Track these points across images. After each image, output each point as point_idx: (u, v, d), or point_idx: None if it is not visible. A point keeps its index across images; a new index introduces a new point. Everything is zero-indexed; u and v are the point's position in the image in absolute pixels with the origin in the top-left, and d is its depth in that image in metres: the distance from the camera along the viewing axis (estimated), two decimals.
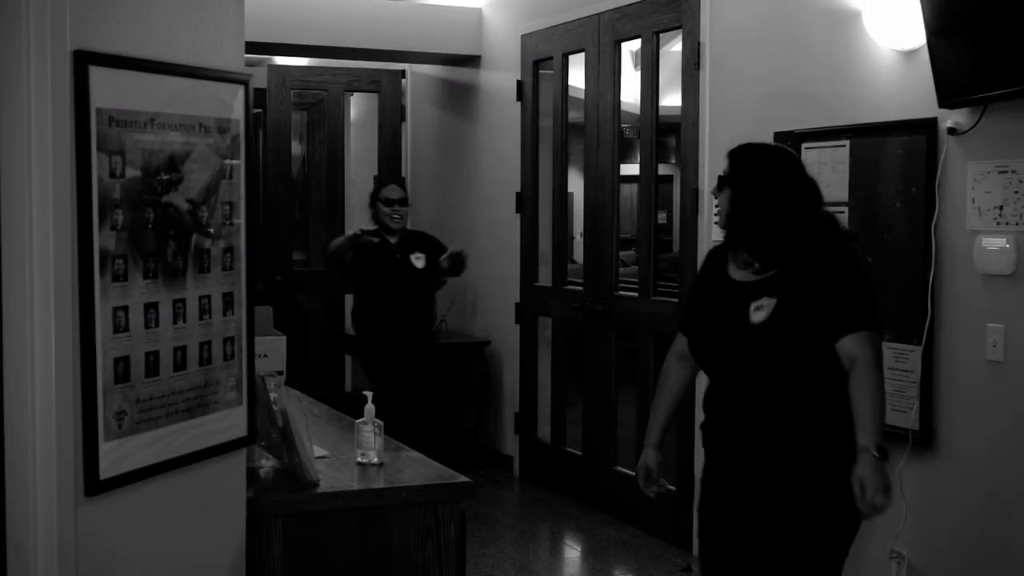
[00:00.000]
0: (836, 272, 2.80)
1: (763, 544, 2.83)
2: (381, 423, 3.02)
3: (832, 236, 2.86)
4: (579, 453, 5.90)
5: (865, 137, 3.97)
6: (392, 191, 5.82)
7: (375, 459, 2.97)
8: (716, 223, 3.04)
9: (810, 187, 2.90)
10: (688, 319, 3.08)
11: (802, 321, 2.78)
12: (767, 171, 2.89)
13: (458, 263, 5.75)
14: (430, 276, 5.82)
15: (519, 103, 6.29)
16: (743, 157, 2.94)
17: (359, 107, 8.55)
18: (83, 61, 2.09)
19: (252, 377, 2.58)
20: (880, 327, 2.82)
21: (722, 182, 2.93)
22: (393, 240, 5.77)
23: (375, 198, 5.82)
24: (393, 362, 5.79)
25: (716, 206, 3.00)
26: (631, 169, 5.87)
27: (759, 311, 2.85)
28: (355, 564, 2.76)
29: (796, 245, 2.83)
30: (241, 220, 2.49)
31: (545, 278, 6.25)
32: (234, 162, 2.46)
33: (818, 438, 2.79)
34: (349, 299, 8.13)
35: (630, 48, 6.24)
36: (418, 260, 5.73)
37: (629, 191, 6.19)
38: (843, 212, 3.97)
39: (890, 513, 3.29)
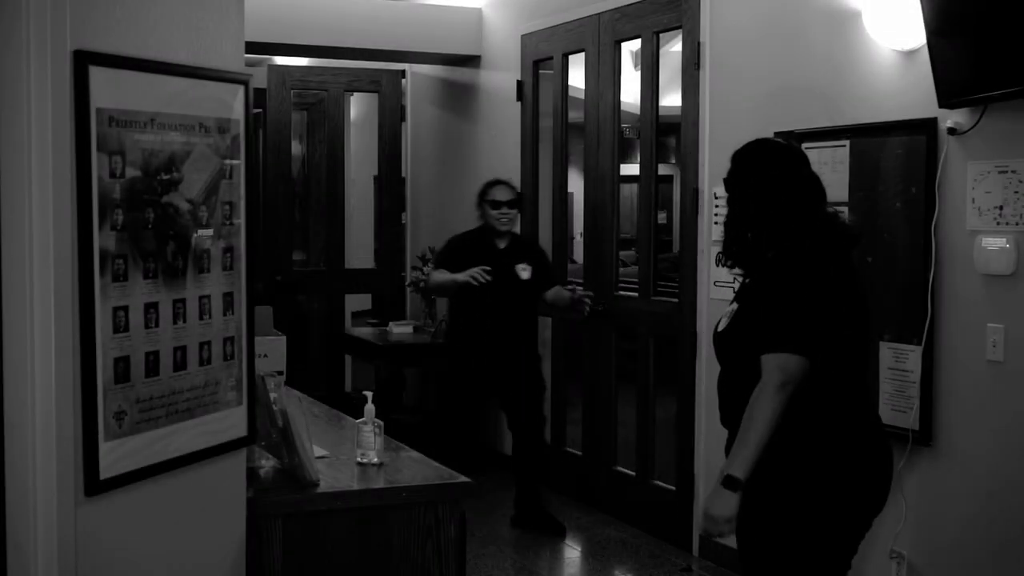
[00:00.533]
0: (773, 285, 2.71)
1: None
2: (381, 423, 3.02)
3: (815, 239, 2.73)
4: (579, 453, 5.90)
5: (865, 137, 3.97)
6: (501, 191, 5.31)
7: (375, 459, 2.97)
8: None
9: (800, 186, 2.81)
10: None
11: (745, 332, 2.74)
12: (751, 171, 2.84)
13: (577, 307, 5.20)
14: (535, 289, 5.33)
15: (519, 103, 6.29)
16: (736, 158, 2.90)
17: (359, 107, 8.55)
18: (83, 61, 2.09)
19: (252, 377, 2.58)
20: (800, 347, 2.61)
21: (727, 184, 2.89)
22: (501, 245, 5.31)
23: (482, 199, 5.34)
24: (492, 380, 5.40)
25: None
26: (631, 169, 5.87)
27: (724, 319, 2.89)
28: (355, 564, 2.76)
29: (758, 250, 2.77)
30: (241, 220, 2.49)
31: None
32: (234, 162, 2.46)
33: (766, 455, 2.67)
34: (351, 299, 8.21)
35: (630, 48, 6.24)
36: (524, 271, 5.27)
37: (629, 191, 6.19)
38: (843, 212, 3.97)
39: (890, 513, 3.30)
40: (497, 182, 5.38)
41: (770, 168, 2.82)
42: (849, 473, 2.70)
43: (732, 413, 2.76)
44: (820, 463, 2.68)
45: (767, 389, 2.60)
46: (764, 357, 2.63)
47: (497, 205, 5.26)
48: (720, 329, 2.86)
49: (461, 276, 5.16)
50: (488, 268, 5.14)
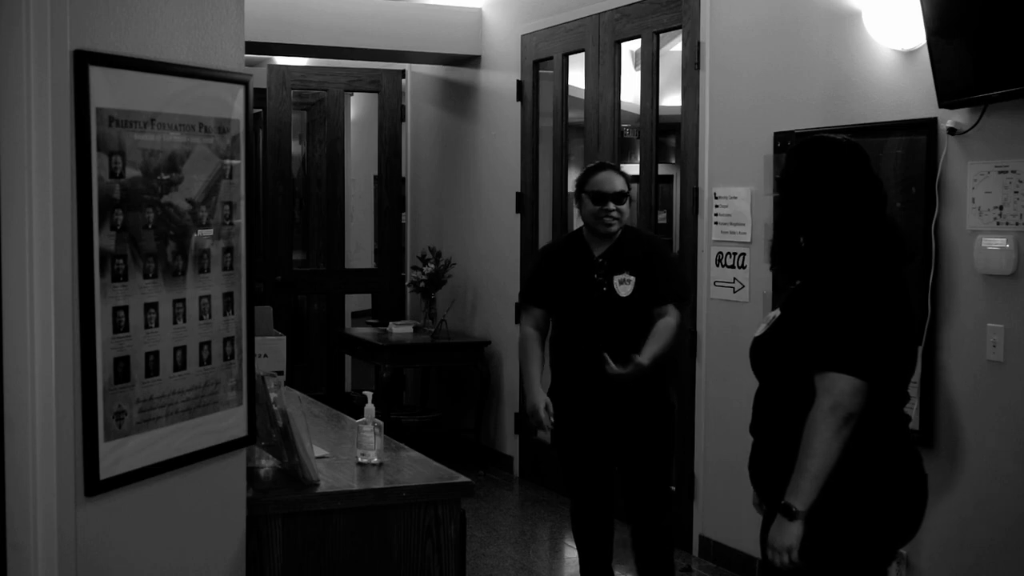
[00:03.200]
0: (833, 298, 2.52)
1: None
2: (381, 423, 3.02)
3: (877, 249, 2.54)
4: None
5: (865, 137, 3.95)
6: (606, 180, 3.91)
7: (375, 459, 2.98)
8: None
9: (862, 188, 2.58)
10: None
11: (787, 341, 2.59)
12: (809, 170, 2.62)
13: (634, 371, 3.73)
14: (639, 308, 3.87)
15: (519, 103, 6.29)
16: (793, 155, 2.69)
17: (359, 107, 8.55)
18: (83, 61, 2.09)
19: (252, 377, 2.58)
20: (862, 370, 2.45)
21: (780, 183, 2.69)
22: (598, 251, 3.93)
23: (581, 189, 3.97)
24: (597, 443, 3.95)
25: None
26: (631, 169, 5.86)
27: (763, 324, 2.76)
28: (355, 564, 2.76)
29: (813, 258, 2.58)
30: (241, 220, 2.49)
31: None
32: (234, 162, 2.46)
33: (774, 469, 2.60)
34: (351, 299, 8.19)
35: (630, 48, 6.24)
36: (624, 284, 3.88)
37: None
38: None
39: None
40: (601, 167, 4.02)
41: (831, 168, 2.60)
42: (889, 501, 2.56)
43: (759, 422, 2.68)
44: (862, 488, 2.54)
45: (825, 412, 2.44)
46: (820, 377, 2.46)
47: (601, 199, 3.88)
48: (758, 335, 2.72)
49: (536, 401, 3.88)
50: (547, 412, 3.87)
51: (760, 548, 2.61)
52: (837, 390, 2.45)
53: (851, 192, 2.58)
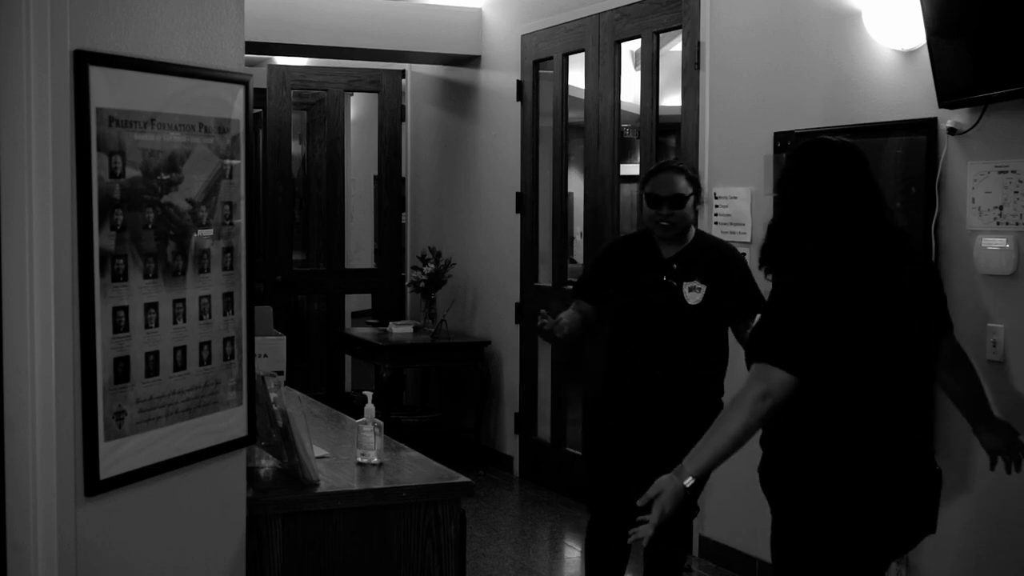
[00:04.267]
0: (775, 292, 2.58)
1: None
2: (381, 423, 3.02)
3: (850, 249, 2.54)
4: (579, 453, 5.90)
5: (865, 137, 3.96)
6: (661, 183, 3.68)
7: (375, 459, 2.97)
8: None
9: (856, 192, 2.59)
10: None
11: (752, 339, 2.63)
12: (805, 173, 2.63)
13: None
14: (710, 321, 3.68)
15: (519, 103, 6.29)
16: (791, 157, 2.71)
17: (359, 107, 8.55)
18: (83, 61, 2.09)
19: (252, 377, 2.58)
20: (786, 362, 2.47)
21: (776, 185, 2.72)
22: (668, 253, 3.71)
23: (642, 190, 3.79)
24: (632, 439, 3.71)
25: None
26: (631, 169, 5.88)
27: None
28: (355, 564, 2.76)
29: (788, 257, 2.60)
30: (241, 220, 2.49)
31: (545, 278, 6.25)
32: (234, 162, 2.46)
33: (777, 469, 2.63)
34: (351, 299, 8.20)
35: (630, 48, 6.24)
36: (694, 292, 3.64)
37: (629, 191, 6.19)
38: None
39: None
40: (661, 169, 3.78)
41: (825, 170, 2.61)
42: (863, 505, 2.55)
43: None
44: (857, 487, 2.54)
45: (747, 398, 2.49)
46: (754, 365, 2.52)
47: (656, 202, 3.67)
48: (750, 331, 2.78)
49: (565, 316, 3.76)
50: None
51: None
52: (765, 378, 2.48)
53: (844, 195, 2.58)
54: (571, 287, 3.92)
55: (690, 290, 3.63)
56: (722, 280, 3.65)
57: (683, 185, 3.66)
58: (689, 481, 2.52)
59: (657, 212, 3.64)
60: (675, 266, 3.66)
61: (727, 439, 2.50)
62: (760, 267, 2.72)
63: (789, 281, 2.57)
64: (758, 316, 3.45)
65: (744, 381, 2.54)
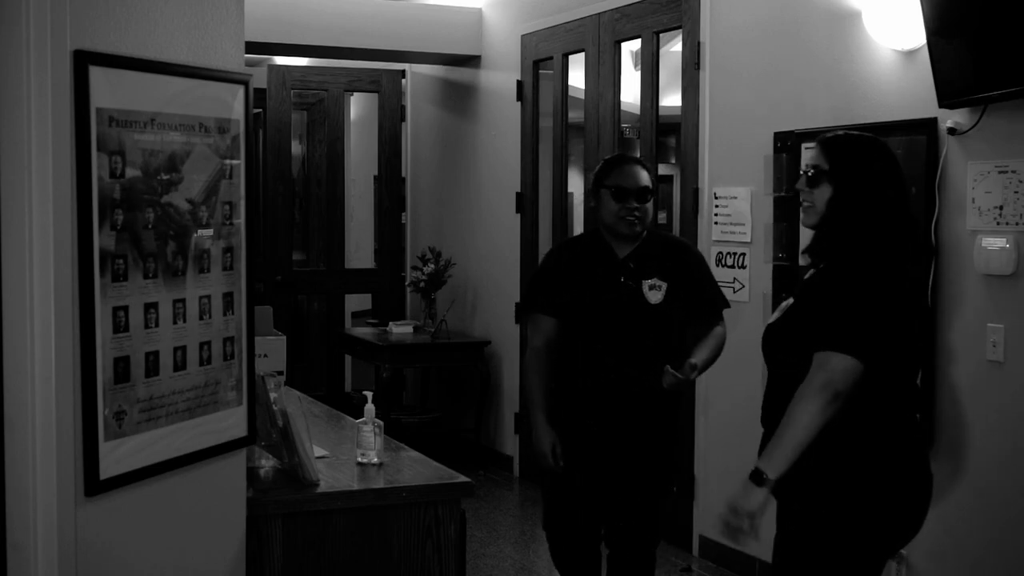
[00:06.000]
0: (843, 283, 2.54)
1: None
2: (381, 423, 3.02)
3: (897, 241, 2.57)
4: None
5: None
6: (629, 175, 3.50)
7: (375, 459, 2.97)
8: (803, 222, 2.74)
9: (899, 183, 2.64)
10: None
11: (799, 328, 2.59)
12: (853, 163, 2.62)
13: (686, 377, 3.33)
14: (670, 318, 3.51)
15: (519, 103, 6.29)
16: (833, 148, 2.66)
17: (359, 107, 8.55)
18: (83, 61, 2.09)
19: (252, 377, 2.58)
20: (857, 350, 2.45)
21: (820, 176, 2.64)
22: (623, 252, 3.52)
23: (599, 184, 3.54)
24: (595, 455, 3.52)
25: (804, 203, 2.68)
26: None
27: (777, 312, 2.77)
28: (355, 564, 2.76)
29: (838, 246, 2.59)
30: (241, 220, 2.49)
31: None
32: (234, 162, 2.46)
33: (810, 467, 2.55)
34: (351, 299, 8.20)
35: (630, 48, 6.24)
36: (654, 291, 3.46)
37: None
38: None
39: None
40: (623, 159, 3.63)
41: (873, 162, 2.62)
42: (891, 499, 2.56)
43: (770, 412, 2.66)
44: (863, 482, 2.54)
45: (816, 388, 2.45)
46: (817, 354, 2.47)
47: (623, 195, 3.47)
48: (771, 322, 2.73)
49: (545, 442, 3.50)
50: (556, 456, 3.50)
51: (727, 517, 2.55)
52: (830, 367, 2.45)
53: (901, 189, 2.63)
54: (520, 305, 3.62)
55: (650, 288, 3.47)
56: (681, 277, 3.50)
57: (647, 178, 3.52)
58: (770, 485, 2.47)
59: (624, 206, 3.45)
60: (631, 265, 3.49)
61: (802, 431, 2.45)
62: (808, 255, 2.69)
63: (849, 271, 2.55)
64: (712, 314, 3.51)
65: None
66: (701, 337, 3.48)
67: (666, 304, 3.46)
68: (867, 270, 2.54)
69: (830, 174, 2.62)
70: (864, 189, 2.60)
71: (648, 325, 3.46)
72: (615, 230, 3.50)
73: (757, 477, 2.47)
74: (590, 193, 3.63)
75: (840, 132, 2.75)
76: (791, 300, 2.73)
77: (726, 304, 3.62)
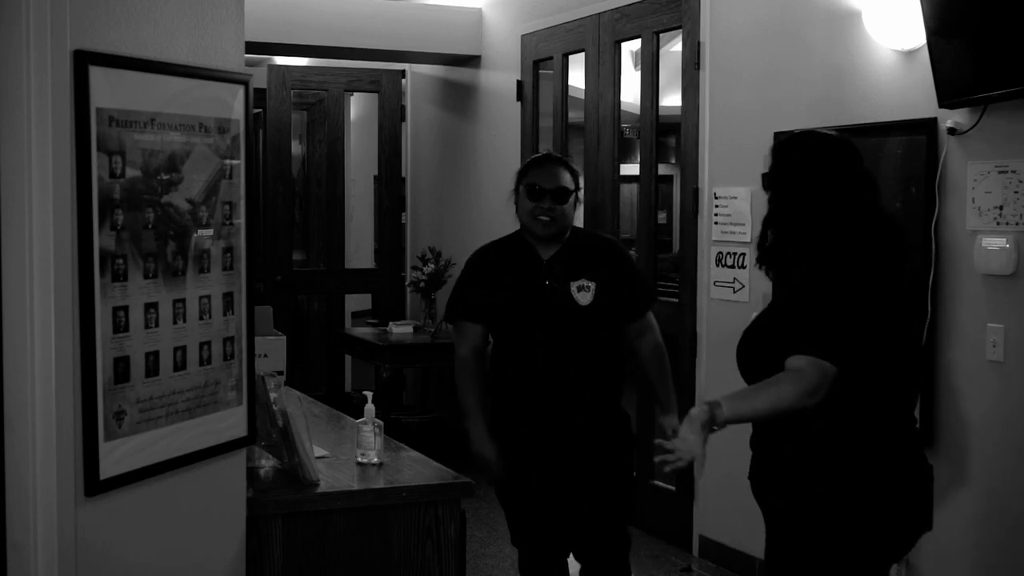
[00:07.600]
0: (808, 289, 2.49)
1: None
2: (381, 423, 3.02)
3: (856, 243, 2.51)
4: None
5: (865, 137, 3.96)
6: (546, 174, 3.38)
7: (375, 459, 2.98)
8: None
9: (847, 184, 2.55)
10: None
11: (766, 336, 2.57)
12: (791, 166, 2.58)
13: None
14: (603, 321, 3.40)
15: (519, 103, 6.29)
16: (776, 151, 2.64)
17: (359, 107, 8.55)
18: (83, 61, 2.10)
19: (252, 377, 2.58)
20: (833, 357, 2.41)
21: (764, 179, 2.62)
22: (547, 254, 3.40)
23: (519, 182, 3.45)
24: (543, 464, 3.40)
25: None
26: (631, 169, 5.87)
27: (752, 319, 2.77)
28: (355, 564, 2.77)
29: (787, 251, 2.54)
30: (241, 220, 2.49)
31: None
32: (234, 162, 2.46)
33: (768, 470, 2.59)
34: (351, 299, 8.20)
35: (630, 48, 6.24)
36: (583, 292, 3.36)
37: (629, 191, 6.19)
38: None
39: None
40: (544, 160, 3.50)
41: (813, 161, 2.57)
42: (887, 502, 2.53)
43: (758, 430, 2.64)
44: (854, 486, 2.51)
45: (806, 378, 2.38)
46: (807, 358, 2.40)
47: (536, 195, 3.35)
48: (740, 340, 2.68)
49: (485, 451, 3.42)
50: (499, 462, 3.41)
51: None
52: (827, 376, 2.40)
53: (833, 185, 2.55)
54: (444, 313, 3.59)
55: (579, 290, 3.33)
56: (610, 276, 3.37)
57: (567, 179, 3.38)
58: (720, 418, 2.44)
59: (537, 205, 3.32)
60: (557, 267, 3.36)
61: (769, 406, 2.42)
62: (758, 265, 2.67)
63: (812, 275, 2.50)
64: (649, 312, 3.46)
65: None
66: (653, 376, 3.49)
67: (596, 304, 3.34)
68: (827, 273, 2.48)
69: (769, 177, 2.61)
70: (793, 191, 2.55)
71: (580, 327, 3.34)
72: (529, 229, 3.39)
73: (714, 403, 2.45)
74: (513, 190, 3.49)
75: (797, 132, 2.71)
76: (758, 312, 2.71)
77: (655, 300, 3.62)
